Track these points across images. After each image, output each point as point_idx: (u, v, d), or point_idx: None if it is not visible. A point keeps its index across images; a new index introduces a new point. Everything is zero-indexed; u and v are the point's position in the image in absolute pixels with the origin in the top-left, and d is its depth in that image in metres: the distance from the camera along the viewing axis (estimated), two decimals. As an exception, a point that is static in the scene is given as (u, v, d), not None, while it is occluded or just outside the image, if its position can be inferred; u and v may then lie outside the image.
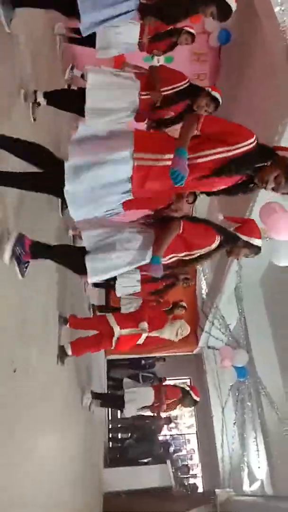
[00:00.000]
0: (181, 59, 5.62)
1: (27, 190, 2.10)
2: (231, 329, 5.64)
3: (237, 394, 5.51)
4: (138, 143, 1.82)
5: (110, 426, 8.30)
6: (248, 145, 1.79)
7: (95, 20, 2.49)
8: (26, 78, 2.69)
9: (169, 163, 1.73)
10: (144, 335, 3.79)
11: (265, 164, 1.84)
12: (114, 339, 3.64)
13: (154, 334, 3.90)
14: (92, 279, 2.33)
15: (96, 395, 4.97)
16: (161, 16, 2.82)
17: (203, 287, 7.10)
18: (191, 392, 4.82)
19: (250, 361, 5.04)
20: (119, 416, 8.38)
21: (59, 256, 2.52)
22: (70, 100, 3.08)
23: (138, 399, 5.33)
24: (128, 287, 3.97)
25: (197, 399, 4.72)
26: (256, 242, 2.40)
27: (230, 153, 1.80)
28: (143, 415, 5.74)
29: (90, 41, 3.31)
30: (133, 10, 2.62)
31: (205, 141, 1.82)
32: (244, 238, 2.38)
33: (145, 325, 3.63)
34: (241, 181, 1.92)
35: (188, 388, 4.95)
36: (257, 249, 2.42)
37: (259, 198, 3.87)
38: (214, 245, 2.30)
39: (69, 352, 3.37)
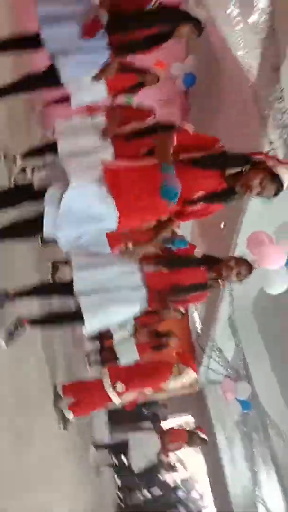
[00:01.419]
0: (150, 104, 5.87)
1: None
2: (229, 360, 5.58)
3: (243, 428, 5.38)
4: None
5: (120, 485, 7.94)
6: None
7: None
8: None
9: None
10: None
11: (243, 169, 1.84)
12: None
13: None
14: (89, 332, 2.35)
15: (99, 446, 4.79)
16: (133, 49, 2.75)
17: (196, 321, 7.05)
18: (198, 432, 4.69)
19: (253, 391, 4.96)
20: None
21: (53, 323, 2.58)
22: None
23: (145, 451, 5.17)
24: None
25: (206, 437, 4.59)
26: None
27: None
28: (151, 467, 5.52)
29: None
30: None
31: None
32: None
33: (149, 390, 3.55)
34: (221, 189, 1.91)
35: (194, 430, 4.83)
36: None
37: (243, 228, 3.95)
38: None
39: (70, 416, 3.27)
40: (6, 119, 3.00)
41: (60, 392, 3.30)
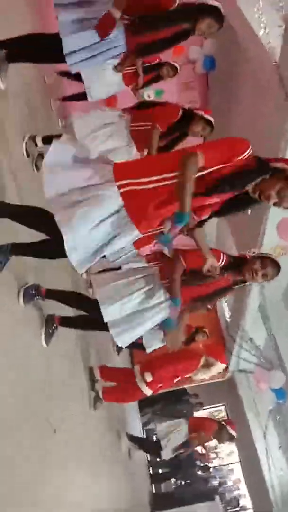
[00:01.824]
0: (170, 90, 5.78)
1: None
2: (261, 349, 5.48)
3: (277, 417, 5.30)
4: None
5: (151, 471, 8.04)
6: (243, 158, 1.70)
7: (83, 58, 2.54)
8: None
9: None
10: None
11: (264, 177, 1.73)
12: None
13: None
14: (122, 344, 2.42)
15: (132, 438, 4.81)
16: (151, 50, 2.79)
17: (225, 309, 6.97)
18: (227, 426, 4.65)
19: (287, 380, 4.87)
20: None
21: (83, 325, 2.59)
22: None
23: (172, 439, 5.17)
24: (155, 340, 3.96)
25: (234, 434, 4.53)
26: None
27: (225, 169, 1.69)
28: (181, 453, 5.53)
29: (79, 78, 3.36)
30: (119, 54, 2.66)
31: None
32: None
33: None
34: (234, 197, 1.82)
35: (224, 423, 4.79)
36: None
37: (271, 215, 3.83)
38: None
39: (101, 396, 3.35)
40: (27, 108, 3.01)
41: (97, 375, 3.39)
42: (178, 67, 3.98)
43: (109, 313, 2.32)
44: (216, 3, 2.50)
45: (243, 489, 9.44)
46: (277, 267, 2.29)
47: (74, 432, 2.53)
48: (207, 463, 8.70)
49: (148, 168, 1.75)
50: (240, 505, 8.96)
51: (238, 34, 4.10)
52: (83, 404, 3.08)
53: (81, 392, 3.10)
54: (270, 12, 3.03)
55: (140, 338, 2.72)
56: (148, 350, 4.64)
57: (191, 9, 2.50)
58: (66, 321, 2.59)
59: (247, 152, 1.69)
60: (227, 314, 6.93)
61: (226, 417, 9.01)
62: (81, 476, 2.52)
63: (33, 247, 1.96)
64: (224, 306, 6.98)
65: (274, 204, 1.78)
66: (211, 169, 1.69)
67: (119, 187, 1.65)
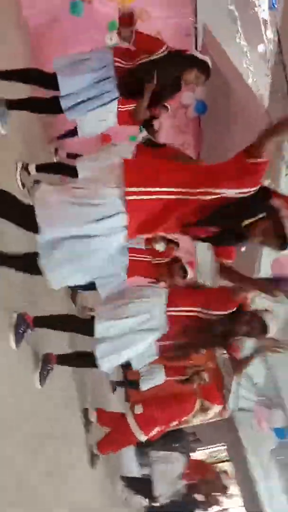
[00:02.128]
0: (164, 133, 5.99)
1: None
2: (261, 387, 5.42)
3: (279, 457, 5.17)
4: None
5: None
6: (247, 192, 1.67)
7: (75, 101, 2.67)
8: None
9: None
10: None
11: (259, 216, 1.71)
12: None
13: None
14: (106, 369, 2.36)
15: (126, 480, 4.66)
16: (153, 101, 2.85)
17: (222, 347, 6.90)
18: (222, 477, 4.54)
19: (287, 418, 4.79)
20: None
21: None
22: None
23: (168, 469, 4.99)
24: (145, 357, 3.92)
25: (228, 485, 4.40)
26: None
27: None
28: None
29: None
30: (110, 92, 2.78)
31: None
32: None
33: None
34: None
35: (219, 471, 4.68)
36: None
37: (265, 254, 3.91)
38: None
39: (97, 452, 3.29)
40: (23, 135, 3.10)
41: (92, 417, 3.33)
42: (169, 107, 4.08)
43: (99, 331, 2.28)
44: (205, 58, 2.68)
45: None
46: (264, 331, 2.30)
47: (66, 477, 2.47)
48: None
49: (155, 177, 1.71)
50: None
51: (228, 81, 4.33)
52: (77, 447, 3.01)
53: (76, 437, 3.04)
54: (258, 63, 3.23)
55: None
56: (142, 388, 4.57)
57: (181, 59, 2.67)
58: (63, 359, 2.55)
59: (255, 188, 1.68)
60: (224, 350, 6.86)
61: (226, 458, 8.78)
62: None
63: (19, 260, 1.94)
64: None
65: (260, 243, 1.76)
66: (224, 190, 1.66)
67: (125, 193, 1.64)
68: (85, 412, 3.34)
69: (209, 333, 2.31)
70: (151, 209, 1.67)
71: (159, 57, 2.62)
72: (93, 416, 3.37)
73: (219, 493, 4.89)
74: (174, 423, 3.59)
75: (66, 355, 2.63)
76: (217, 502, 4.64)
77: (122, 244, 1.77)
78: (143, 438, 3.42)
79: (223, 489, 4.57)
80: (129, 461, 5.89)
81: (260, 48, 3.08)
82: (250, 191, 1.68)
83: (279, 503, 6.16)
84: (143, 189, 1.64)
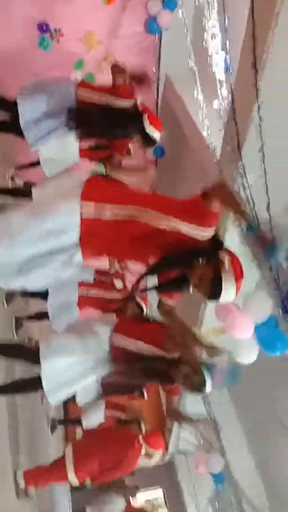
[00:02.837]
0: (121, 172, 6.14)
1: None
2: (201, 430, 5.39)
3: (216, 504, 5.10)
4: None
5: None
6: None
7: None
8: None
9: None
10: None
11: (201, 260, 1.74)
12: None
13: None
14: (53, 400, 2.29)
15: None
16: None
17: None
18: None
19: (226, 464, 4.77)
20: None
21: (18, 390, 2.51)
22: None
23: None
24: (90, 392, 3.88)
25: None
26: None
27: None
28: None
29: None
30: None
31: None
32: None
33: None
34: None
35: None
36: None
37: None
38: None
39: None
40: None
41: (21, 481, 3.04)
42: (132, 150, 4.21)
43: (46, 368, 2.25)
44: (155, 136, 2.92)
45: None
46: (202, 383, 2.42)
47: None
48: None
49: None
50: None
51: (185, 131, 4.57)
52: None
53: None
54: (213, 118, 3.45)
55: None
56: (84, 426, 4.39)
57: (137, 125, 2.86)
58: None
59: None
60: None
61: (163, 504, 8.53)
62: None
63: None
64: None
65: (194, 287, 1.80)
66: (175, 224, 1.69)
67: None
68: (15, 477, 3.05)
69: (149, 368, 2.33)
70: (103, 229, 1.70)
71: (126, 108, 2.78)
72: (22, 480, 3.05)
73: None
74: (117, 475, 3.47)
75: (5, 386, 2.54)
76: None
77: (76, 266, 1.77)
78: (75, 482, 3.25)
79: None
80: (61, 501, 5.59)
81: (215, 104, 3.29)
82: (205, 234, 1.72)
83: None
84: (98, 204, 1.68)
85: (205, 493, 5.84)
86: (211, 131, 3.50)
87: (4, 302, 3.52)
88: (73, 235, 1.66)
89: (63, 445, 6.92)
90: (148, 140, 2.93)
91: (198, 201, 1.73)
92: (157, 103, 4.80)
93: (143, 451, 3.53)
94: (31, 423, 3.88)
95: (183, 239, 1.73)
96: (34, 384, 2.40)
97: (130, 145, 3.28)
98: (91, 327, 2.53)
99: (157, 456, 3.73)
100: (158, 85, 5.39)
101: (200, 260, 1.74)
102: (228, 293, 1.72)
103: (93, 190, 1.73)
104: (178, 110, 4.62)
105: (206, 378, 2.36)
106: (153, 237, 1.72)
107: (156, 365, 2.32)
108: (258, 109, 2.62)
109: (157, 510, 7.89)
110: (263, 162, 2.86)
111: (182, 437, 6.29)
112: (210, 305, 3.98)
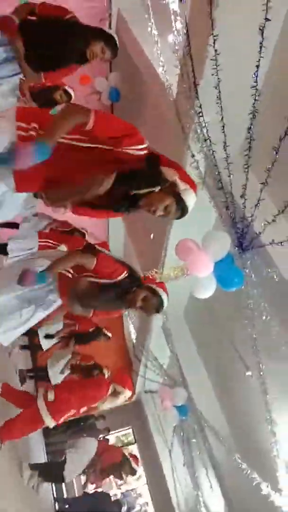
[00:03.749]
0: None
1: None
2: (165, 368, 5.67)
3: (181, 433, 5.48)
4: None
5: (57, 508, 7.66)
6: (138, 150, 1.67)
7: None
8: None
9: None
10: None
11: (153, 190, 1.73)
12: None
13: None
14: (5, 342, 2.33)
15: (34, 467, 4.60)
16: (46, 64, 2.61)
17: (131, 331, 7.10)
18: (130, 460, 4.70)
19: (189, 396, 5.08)
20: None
21: None
22: None
23: (80, 453, 5.05)
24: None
25: (136, 468, 4.57)
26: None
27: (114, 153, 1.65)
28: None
29: None
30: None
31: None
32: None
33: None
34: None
35: (128, 456, 4.84)
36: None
37: (171, 238, 4.08)
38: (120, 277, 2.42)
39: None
40: None
41: None
42: (73, 94, 3.94)
43: None
44: (111, 32, 2.68)
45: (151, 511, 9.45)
46: (159, 304, 2.48)
47: None
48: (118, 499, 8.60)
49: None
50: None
51: (140, 70, 4.40)
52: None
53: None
54: (168, 53, 3.32)
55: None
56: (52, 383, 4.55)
57: (87, 30, 2.62)
58: None
59: (143, 146, 1.68)
60: (134, 336, 7.07)
61: (133, 441, 9.06)
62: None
63: None
64: (131, 328, 7.11)
65: (161, 216, 1.81)
66: (97, 144, 1.63)
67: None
68: None
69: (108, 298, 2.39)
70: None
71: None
72: None
73: (129, 474, 5.06)
74: (85, 409, 3.60)
75: None
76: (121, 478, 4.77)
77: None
78: (52, 424, 3.36)
79: (132, 471, 4.71)
80: (36, 448, 5.80)
81: (170, 38, 3.17)
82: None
83: (180, 477, 6.52)
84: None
85: (170, 426, 6.25)
86: (166, 67, 3.39)
87: None
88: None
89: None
90: (109, 38, 2.62)
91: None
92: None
93: (111, 389, 3.67)
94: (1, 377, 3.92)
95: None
96: None
97: None
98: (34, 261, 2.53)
99: (124, 396, 3.90)
100: (110, 22, 5.11)
101: (156, 190, 1.75)
102: (192, 205, 1.80)
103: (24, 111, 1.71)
104: (131, 47, 4.42)
105: (162, 297, 2.46)
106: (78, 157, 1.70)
107: (113, 293, 2.38)
108: (214, 42, 2.54)
109: (128, 447, 8.37)
110: (220, 99, 2.84)
111: (148, 376, 6.59)
112: (170, 248, 4.06)
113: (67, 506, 7.59)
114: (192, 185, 1.83)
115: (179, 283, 3.51)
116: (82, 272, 2.46)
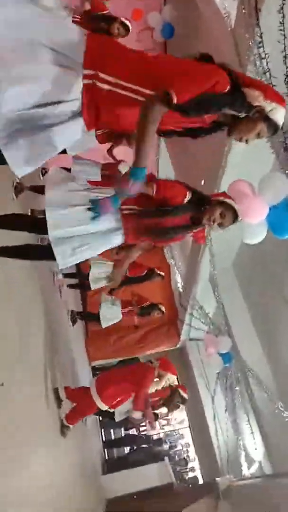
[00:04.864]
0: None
1: None
2: (210, 317, 5.69)
3: (225, 380, 5.55)
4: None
5: (104, 439, 8.25)
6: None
7: None
8: None
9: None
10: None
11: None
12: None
13: None
14: (61, 265, 2.33)
15: None
16: None
17: (178, 280, 7.13)
18: (179, 389, 4.80)
19: (234, 345, 5.10)
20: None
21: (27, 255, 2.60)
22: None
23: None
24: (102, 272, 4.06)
25: (186, 396, 4.68)
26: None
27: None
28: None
29: None
30: None
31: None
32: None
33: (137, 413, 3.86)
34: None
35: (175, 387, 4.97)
36: None
37: (223, 183, 3.93)
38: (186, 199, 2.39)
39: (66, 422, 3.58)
40: None
41: (63, 396, 3.62)
42: (130, 27, 3.80)
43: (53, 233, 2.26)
44: None
45: (192, 452, 9.93)
46: (235, 217, 2.40)
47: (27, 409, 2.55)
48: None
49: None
50: (189, 466, 9.42)
51: (197, 2, 4.07)
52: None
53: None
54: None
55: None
56: (104, 325, 4.82)
57: None
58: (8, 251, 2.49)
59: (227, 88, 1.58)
60: (180, 285, 7.10)
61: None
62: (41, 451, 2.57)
63: None
64: (177, 277, 7.13)
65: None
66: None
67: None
68: (56, 391, 3.53)
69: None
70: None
71: None
72: (62, 394, 3.65)
73: (182, 403, 5.22)
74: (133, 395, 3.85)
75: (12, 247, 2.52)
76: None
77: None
78: (104, 408, 3.77)
79: (183, 400, 4.82)
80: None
81: None
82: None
83: (222, 423, 6.71)
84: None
85: (214, 373, 6.36)
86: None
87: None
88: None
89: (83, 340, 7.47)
90: None
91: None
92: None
93: (155, 373, 3.93)
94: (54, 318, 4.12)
95: None
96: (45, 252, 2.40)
97: None
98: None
99: (167, 380, 4.12)
100: None
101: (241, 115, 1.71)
102: (282, 120, 1.73)
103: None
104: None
105: (235, 207, 2.41)
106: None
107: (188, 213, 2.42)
108: None
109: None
110: (283, 24, 2.57)
111: (194, 325, 6.67)
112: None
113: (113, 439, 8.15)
114: (280, 101, 1.70)
115: (227, 234, 3.40)
116: (145, 204, 2.41)
